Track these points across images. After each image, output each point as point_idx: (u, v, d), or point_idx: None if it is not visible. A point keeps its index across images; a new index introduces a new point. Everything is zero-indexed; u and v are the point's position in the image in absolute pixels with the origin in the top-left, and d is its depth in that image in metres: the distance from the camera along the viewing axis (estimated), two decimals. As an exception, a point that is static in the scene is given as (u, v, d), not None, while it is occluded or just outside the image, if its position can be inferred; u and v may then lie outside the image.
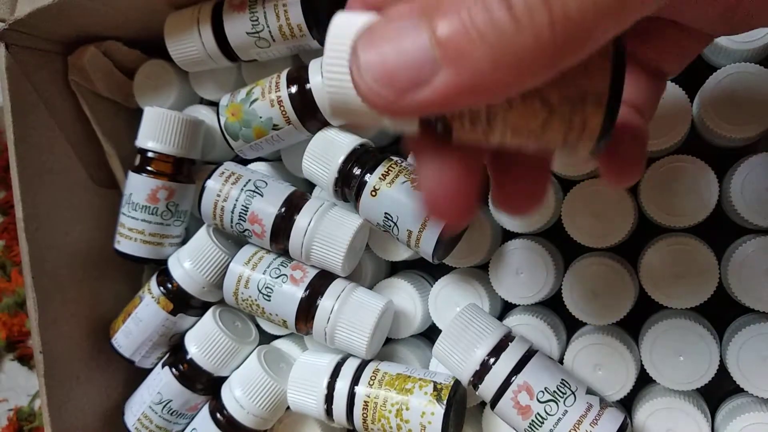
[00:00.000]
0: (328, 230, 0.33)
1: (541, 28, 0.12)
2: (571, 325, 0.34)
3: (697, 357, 0.30)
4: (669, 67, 0.21)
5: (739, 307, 0.30)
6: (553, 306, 0.34)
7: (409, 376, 0.32)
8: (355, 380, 0.32)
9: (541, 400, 0.28)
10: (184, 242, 0.37)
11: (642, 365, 0.31)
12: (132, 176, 0.36)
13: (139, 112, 0.37)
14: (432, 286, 0.35)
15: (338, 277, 0.34)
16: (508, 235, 0.33)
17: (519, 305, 0.34)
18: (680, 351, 0.30)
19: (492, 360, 0.30)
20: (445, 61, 0.13)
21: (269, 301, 0.33)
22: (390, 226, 0.32)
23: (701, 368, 0.30)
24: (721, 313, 0.32)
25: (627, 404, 0.32)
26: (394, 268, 0.38)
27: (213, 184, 0.34)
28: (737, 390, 0.30)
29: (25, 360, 0.55)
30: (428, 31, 0.13)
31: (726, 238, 0.31)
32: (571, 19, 0.12)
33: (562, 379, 0.29)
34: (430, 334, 0.37)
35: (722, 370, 0.30)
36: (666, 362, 0.30)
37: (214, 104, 0.38)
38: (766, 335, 0.29)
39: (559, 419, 0.28)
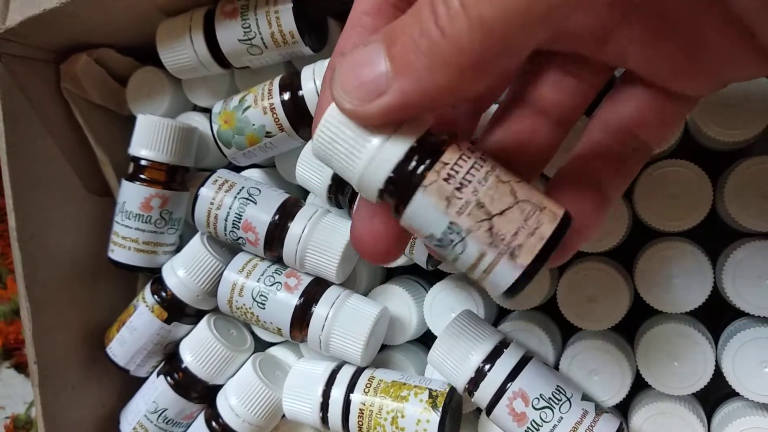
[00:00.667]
0: (322, 237, 0.33)
1: (460, 33, 0.15)
2: (566, 330, 0.34)
3: (692, 362, 0.30)
4: (654, 140, 0.21)
5: (734, 311, 0.30)
6: (548, 311, 0.34)
7: (405, 383, 0.32)
8: (351, 388, 0.32)
9: (537, 406, 0.28)
10: (178, 250, 0.37)
11: (638, 370, 0.31)
12: (125, 184, 0.36)
13: (132, 120, 0.37)
14: (427, 291, 0.35)
15: (333, 284, 0.34)
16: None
17: (514, 310, 0.34)
18: (675, 356, 0.30)
19: (487, 367, 0.29)
20: (394, 73, 0.16)
21: (263, 309, 0.33)
22: (384, 233, 0.32)
23: (696, 373, 0.30)
24: (717, 317, 0.32)
25: (623, 409, 0.32)
26: (390, 274, 0.38)
27: (206, 192, 0.34)
28: (733, 394, 0.30)
29: (22, 368, 0.55)
30: (384, 51, 0.16)
31: (720, 242, 0.31)
32: (485, 24, 0.14)
33: (558, 386, 0.29)
34: (426, 339, 0.37)
35: (718, 374, 0.30)
36: (661, 367, 0.30)
37: (207, 111, 0.38)
38: (761, 340, 0.29)
39: (555, 426, 0.28)
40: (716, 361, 0.30)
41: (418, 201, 0.17)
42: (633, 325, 0.32)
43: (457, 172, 0.17)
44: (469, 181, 0.17)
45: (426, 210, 0.17)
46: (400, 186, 0.17)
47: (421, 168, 0.17)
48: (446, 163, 0.17)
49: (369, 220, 0.20)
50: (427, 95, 0.16)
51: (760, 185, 0.28)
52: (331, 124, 0.17)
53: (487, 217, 0.17)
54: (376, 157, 0.17)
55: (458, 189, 0.17)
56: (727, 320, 0.31)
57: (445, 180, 0.17)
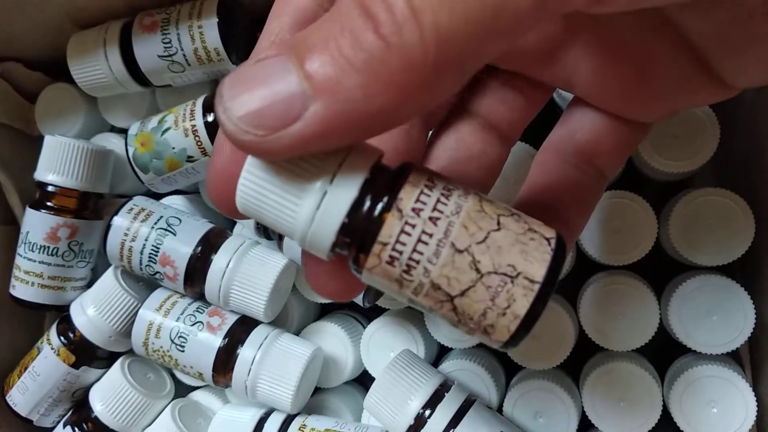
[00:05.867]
0: (249, 272, 0.30)
1: (411, 45, 0.12)
2: (510, 369, 0.32)
3: (638, 402, 0.28)
4: (609, 167, 0.19)
5: (681, 347, 0.29)
6: (490, 349, 0.32)
7: (339, 432, 0.29)
8: (280, 437, 0.29)
9: (479, 456, 0.26)
10: (91, 284, 0.33)
11: (584, 411, 0.29)
12: (29, 213, 0.32)
13: (42, 140, 0.33)
14: (365, 328, 0.32)
15: (261, 323, 0.31)
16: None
17: (455, 348, 0.32)
18: (621, 396, 0.28)
19: (427, 413, 0.27)
20: (315, 93, 0.12)
21: (183, 351, 0.30)
22: (316, 268, 0.29)
23: (643, 414, 0.28)
24: (664, 353, 0.31)
25: (569, 452, 0.31)
26: (324, 310, 0.36)
27: (120, 222, 0.31)
28: (681, 434, 0.29)
29: None
30: (296, 66, 0.12)
31: (666, 275, 0.30)
32: (442, 34, 0.12)
33: (501, 432, 0.27)
34: (363, 379, 0.34)
35: (665, 413, 0.28)
36: (607, 408, 0.29)
37: (126, 132, 0.35)
38: (708, 378, 0.28)
39: (498, 478, 0.26)
40: (664, 400, 0.28)
41: (366, 278, 0.15)
42: (579, 362, 0.31)
43: (400, 252, 0.14)
44: (417, 261, 0.14)
45: (379, 285, 0.15)
46: (356, 235, 0.14)
47: (379, 208, 0.14)
48: (385, 243, 0.14)
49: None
50: (357, 121, 0.12)
51: (705, 218, 0.28)
52: (255, 174, 0.14)
53: (447, 299, 0.14)
54: (323, 205, 0.14)
55: (406, 272, 0.14)
56: (673, 357, 0.30)
57: (389, 263, 0.14)
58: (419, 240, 0.14)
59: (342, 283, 0.16)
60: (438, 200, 0.14)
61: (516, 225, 0.14)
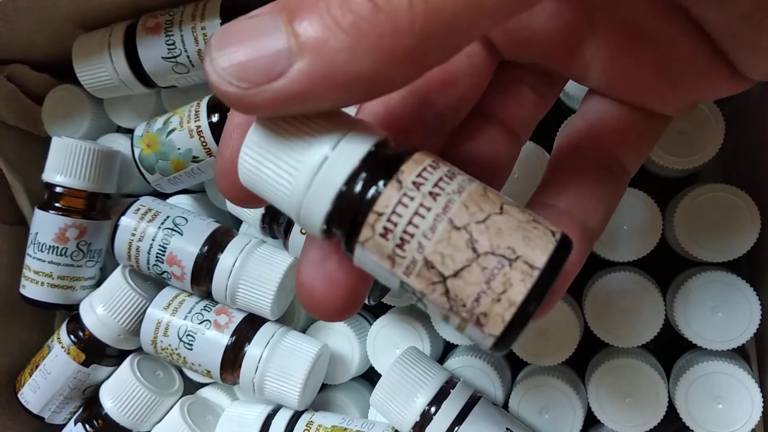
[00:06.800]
0: (255, 270, 0.30)
1: (399, 11, 0.12)
2: (515, 365, 0.32)
3: (644, 398, 0.28)
4: (632, 161, 0.18)
5: (686, 343, 0.29)
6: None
7: (346, 429, 0.29)
8: (287, 434, 0.30)
9: (485, 453, 0.26)
10: (100, 283, 0.34)
11: (589, 406, 0.29)
12: (38, 213, 0.33)
13: (49, 142, 0.33)
14: (371, 325, 0.33)
15: (268, 321, 0.31)
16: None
17: (461, 345, 0.32)
18: (627, 392, 0.28)
19: (433, 409, 0.28)
20: (300, 51, 0.12)
21: (191, 349, 0.31)
22: (321, 266, 0.29)
23: (649, 410, 0.28)
24: (669, 349, 0.31)
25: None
26: (331, 307, 0.36)
27: (127, 222, 0.31)
28: (686, 429, 0.29)
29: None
30: (285, 22, 0.12)
31: (671, 271, 0.30)
32: (430, 3, 0.12)
33: (507, 428, 0.27)
34: (370, 375, 0.34)
35: (671, 409, 0.28)
36: (613, 404, 0.29)
37: (132, 132, 0.35)
38: (714, 374, 0.28)
39: (504, 474, 0.26)
40: (669, 395, 0.28)
41: (359, 256, 0.14)
42: (584, 358, 0.31)
43: (395, 224, 0.13)
44: (412, 235, 0.13)
45: (372, 266, 0.14)
46: (352, 206, 0.13)
47: (372, 190, 0.13)
48: (381, 213, 0.13)
49: (320, 263, 0.15)
50: (340, 82, 0.12)
51: (710, 214, 0.28)
52: (256, 142, 0.14)
53: (440, 280, 0.13)
54: (318, 176, 0.13)
55: (399, 246, 0.13)
56: (679, 353, 0.30)
57: (382, 236, 0.13)
58: (416, 213, 0.13)
59: (339, 276, 0.15)
60: (441, 179, 0.14)
61: (520, 214, 0.14)
